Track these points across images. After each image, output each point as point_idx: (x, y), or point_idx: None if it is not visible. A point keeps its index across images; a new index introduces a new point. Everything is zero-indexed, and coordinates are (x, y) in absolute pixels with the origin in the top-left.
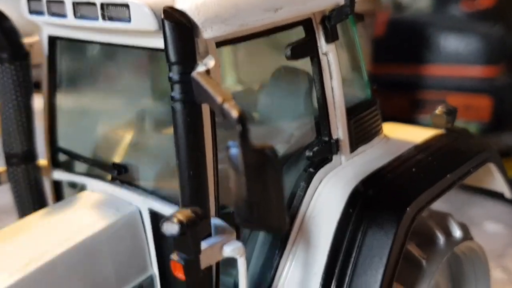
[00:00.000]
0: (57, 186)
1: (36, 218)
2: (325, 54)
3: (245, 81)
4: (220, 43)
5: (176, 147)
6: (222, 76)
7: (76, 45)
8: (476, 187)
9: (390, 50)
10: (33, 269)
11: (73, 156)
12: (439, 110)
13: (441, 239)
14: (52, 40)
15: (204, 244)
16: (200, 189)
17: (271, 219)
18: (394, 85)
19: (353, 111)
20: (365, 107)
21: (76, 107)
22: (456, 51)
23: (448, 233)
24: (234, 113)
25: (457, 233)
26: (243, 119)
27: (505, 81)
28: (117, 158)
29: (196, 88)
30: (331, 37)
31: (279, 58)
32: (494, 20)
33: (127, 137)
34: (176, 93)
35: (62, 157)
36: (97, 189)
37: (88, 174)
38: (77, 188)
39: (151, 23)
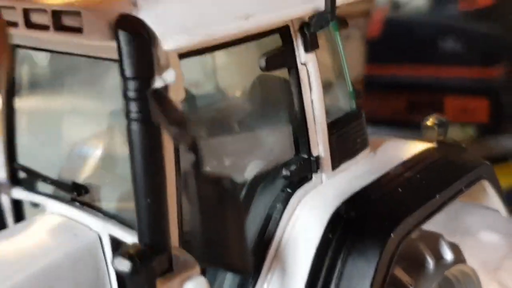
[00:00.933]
0: (17, 205)
1: None
2: (304, 64)
3: (225, 88)
4: (184, 55)
5: (132, 171)
6: (201, 82)
7: (34, 53)
8: None
9: (386, 50)
10: None
11: (31, 174)
12: (430, 121)
13: (430, 262)
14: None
15: (161, 281)
16: (159, 219)
17: (231, 258)
18: (390, 87)
19: (335, 125)
20: (349, 120)
21: (37, 120)
22: (453, 52)
23: (438, 256)
24: (186, 142)
25: (449, 255)
26: (195, 148)
27: (503, 82)
28: (78, 178)
29: (152, 107)
30: (310, 46)
31: None
32: (493, 19)
33: (89, 156)
34: (132, 111)
35: (22, 174)
36: (57, 211)
37: (49, 194)
38: (40, 207)
39: (105, 33)
